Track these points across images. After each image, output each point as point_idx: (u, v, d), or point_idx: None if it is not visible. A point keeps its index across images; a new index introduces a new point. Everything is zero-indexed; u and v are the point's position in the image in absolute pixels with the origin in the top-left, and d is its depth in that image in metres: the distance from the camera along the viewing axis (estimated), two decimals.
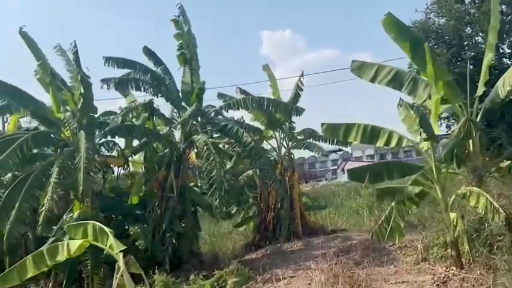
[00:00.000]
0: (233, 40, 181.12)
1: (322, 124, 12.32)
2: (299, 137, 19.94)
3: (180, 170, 16.18)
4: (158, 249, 15.17)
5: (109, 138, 15.40)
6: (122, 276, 8.15)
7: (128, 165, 16.68)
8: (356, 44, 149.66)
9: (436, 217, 12.79)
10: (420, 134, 10.59)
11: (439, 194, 10.78)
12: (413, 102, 12.48)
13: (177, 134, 16.97)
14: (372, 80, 12.45)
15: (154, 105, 16.34)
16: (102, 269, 13.03)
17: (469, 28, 25.03)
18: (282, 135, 19.36)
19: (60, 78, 15.20)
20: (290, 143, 19.57)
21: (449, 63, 22.84)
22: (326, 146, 21.44)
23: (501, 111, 19.10)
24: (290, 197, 18.38)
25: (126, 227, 16.27)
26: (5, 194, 13.37)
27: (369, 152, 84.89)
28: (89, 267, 12.88)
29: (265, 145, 19.55)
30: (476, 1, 24.78)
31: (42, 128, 14.99)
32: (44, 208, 12.32)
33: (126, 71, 16.77)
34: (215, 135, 17.14)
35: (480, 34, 24.22)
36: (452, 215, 10.60)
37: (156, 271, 12.81)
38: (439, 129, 11.21)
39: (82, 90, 13.94)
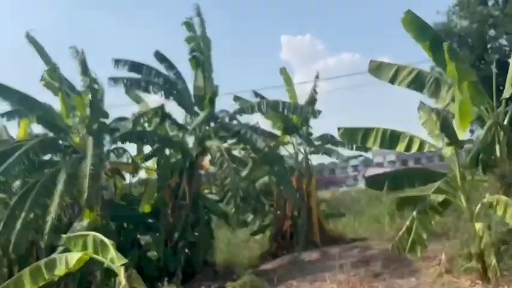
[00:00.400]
0: (252, 45, 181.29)
1: (339, 128, 11.68)
2: (317, 143, 19.40)
3: (193, 177, 15.77)
4: (170, 259, 14.71)
5: (120, 144, 15.06)
6: None
7: (137, 172, 16.32)
8: (376, 47, 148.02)
9: (461, 227, 12.15)
10: (442, 139, 9.98)
11: (464, 202, 10.17)
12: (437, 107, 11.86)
13: (191, 140, 16.54)
14: (392, 81, 11.73)
15: (167, 111, 16.03)
16: (113, 280, 12.63)
17: (492, 30, 24.40)
18: (299, 141, 18.84)
19: (69, 83, 14.94)
20: (308, 148, 19.04)
21: (472, 66, 22.15)
22: (347, 152, 20.87)
23: None
24: (307, 205, 17.86)
25: (138, 236, 15.86)
26: (14, 201, 13.12)
27: (390, 158, 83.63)
28: (98, 278, 12.52)
29: (284, 151, 19.09)
30: (500, 3, 24.13)
31: (51, 134, 14.72)
32: (50, 216, 11.98)
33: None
34: (230, 141, 16.71)
35: (504, 36, 23.56)
36: (478, 225, 9.95)
37: (166, 282, 12.38)
38: (465, 134, 10.50)
39: (91, 95, 13.65)
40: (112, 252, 7.88)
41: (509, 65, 11.54)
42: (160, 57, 16.90)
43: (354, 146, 18.42)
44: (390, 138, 11.09)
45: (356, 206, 27.64)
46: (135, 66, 16.12)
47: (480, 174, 10.73)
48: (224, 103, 58.48)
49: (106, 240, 8.02)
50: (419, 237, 10.63)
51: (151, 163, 17.55)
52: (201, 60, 16.15)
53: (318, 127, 18.54)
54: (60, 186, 12.40)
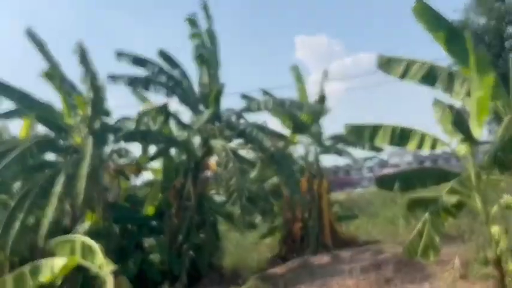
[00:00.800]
0: (267, 45, 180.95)
1: (346, 125, 11.06)
2: (328, 143, 18.80)
3: (198, 177, 15.35)
4: (175, 261, 14.29)
5: (123, 144, 14.67)
6: None
7: (140, 172, 15.90)
8: (394, 47, 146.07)
9: (476, 229, 11.47)
10: (456, 136, 9.31)
11: (479, 204, 9.45)
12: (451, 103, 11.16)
13: (196, 140, 16.07)
14: (402, 76, 11.01)
15: (172, 110, 15.61)
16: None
17: (510, 28, 23.71)
18: (310, 141, 18.27)
19: (70, 81, 14.59)
20: (318, 148, 18.46)
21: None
22: (360, 153, 20.28)
23: None
24: (318, 207, 17.26)
25: (141, 238, 15.44)
26: (14, 203, 12.76)
27: (407, 159, 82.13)
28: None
29: (295, 152, 18.65)
30: None
31: (52, 133, 14.35)
32: (47, 219, 11.57)
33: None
34: (237, 141, 16.23)
35: None
36: (494, 228, 9.23)
37: (167, 286, 11.95)
38: (481, 130, 9.79)
39: (92, 93, 13.26)
40: (100, 258, 7.45)
41: None
42: (164, 56, 16.44)
43: (366, 146, 17.75)
44: (400, 136, 10.38)
45: (370, 208, 27.02)
46: (138, 61, 15.61)
47: (497, 174, 10.03)
48: (236, 103, 58.21)
49: (94, 245, 7.58)
50: (431, 241, 9.92)
51: (157, 164, 17.18)
52: (205, 56, 15.69)
53: (333, 128, 17.96)
54: (58, 188, 11.97)
